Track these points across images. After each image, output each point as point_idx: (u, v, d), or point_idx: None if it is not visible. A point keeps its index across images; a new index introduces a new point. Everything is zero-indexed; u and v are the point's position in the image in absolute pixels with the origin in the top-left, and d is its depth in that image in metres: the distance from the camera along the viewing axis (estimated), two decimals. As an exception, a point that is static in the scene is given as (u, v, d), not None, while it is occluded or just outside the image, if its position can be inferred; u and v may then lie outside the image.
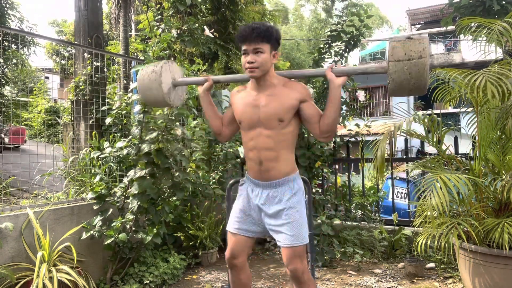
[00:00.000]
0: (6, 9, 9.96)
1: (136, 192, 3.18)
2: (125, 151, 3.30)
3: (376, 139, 3.42)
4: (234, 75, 2.45)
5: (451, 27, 7.94)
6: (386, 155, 3.30)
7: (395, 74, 1.79)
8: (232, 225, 2.22)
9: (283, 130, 2.04)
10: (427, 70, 1.75)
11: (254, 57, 1.97)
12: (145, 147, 3.19)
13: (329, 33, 4.60)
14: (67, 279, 2.67)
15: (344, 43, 4.54)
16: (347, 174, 4.97)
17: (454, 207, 3.15)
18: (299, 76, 2.23)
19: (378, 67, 1.94)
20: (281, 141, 2.05)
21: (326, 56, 4.67)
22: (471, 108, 3.28)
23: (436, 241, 2.77)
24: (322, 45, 4.70)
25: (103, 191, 3.26)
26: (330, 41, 4.58)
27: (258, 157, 2.07)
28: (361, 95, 4.77)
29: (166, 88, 2.27)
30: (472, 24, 3.25)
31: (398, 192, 5.65)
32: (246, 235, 2.19)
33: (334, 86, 1.96)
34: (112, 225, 3.18)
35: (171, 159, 3.36)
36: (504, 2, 6.54)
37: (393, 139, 3.24)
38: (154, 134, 3.20)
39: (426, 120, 3.34)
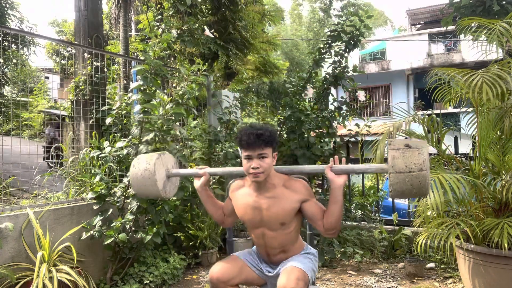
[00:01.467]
0: (6, 9, 9.95)
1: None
2: (125, 151, 3.30)
3: (376, 139, 3.42)
4: (231, 168, 2.44)
5: (451, 27, 7.95)
6: (385, 155, 3.30)
7: (397, 185, 1.80)
8: (239, 254, 2.24)
9: (285, 230, 2.07)
10: (428, 182, 1.76)
11: (258, 162, 1.95)
12: (143, 148, 3.19)
13: (329, 33, 4.59)
14: (67, 279, 2.67)
15: (344, 43, 4.53)
16: (347, 174, 4.97)
17: (454, 207, 3.16)
18: (298, 173, 2.20)
19: (379, 169, 1.94)
20: (284, 239, 2.09)
21: (326, 56, 4.67)
22: (471, 108, 3.28)
23: (435, 241, 2.77)
24: (322, 45, 4.70)
25: (103, 191, 3.26)
26: (330, 41, 4.57)
27: (266, 252, 2.16)
28: (361, 95, 4.76)
29: (161, 184, 2.18)
30: (473, 24, 3.25)
31: (398, 192, 5.64)
32: (246, 264, 2.18)
33: (335, 187, 1.93)
34: (112, 225, 3.18)
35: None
36: (504, 2, 6.55)
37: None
38: (151, 135, 3.19)
39: (426, 120, 3.34)
